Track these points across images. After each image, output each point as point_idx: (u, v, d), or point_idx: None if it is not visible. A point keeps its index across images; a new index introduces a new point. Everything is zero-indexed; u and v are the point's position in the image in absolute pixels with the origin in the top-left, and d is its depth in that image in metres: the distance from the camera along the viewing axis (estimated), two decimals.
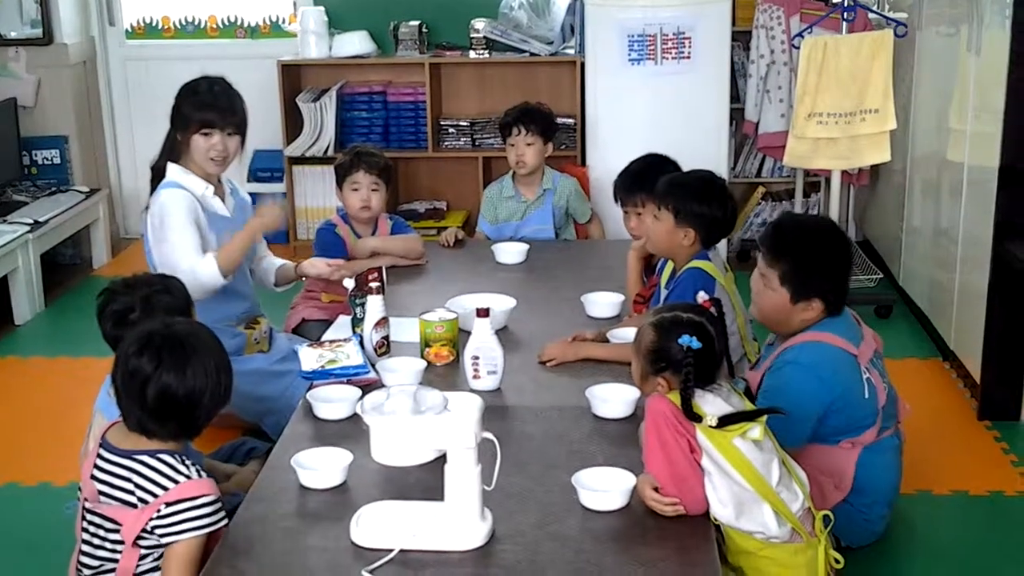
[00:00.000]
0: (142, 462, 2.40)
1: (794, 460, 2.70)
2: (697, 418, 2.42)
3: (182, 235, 3.58)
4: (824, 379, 2.94)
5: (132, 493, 2.40)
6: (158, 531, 2.37)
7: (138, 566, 2.43)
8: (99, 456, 2.47)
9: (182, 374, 2.38)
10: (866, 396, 2.99)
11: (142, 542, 2.41)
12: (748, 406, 2.53)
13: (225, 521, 2.40)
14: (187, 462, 2.42)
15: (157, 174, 3.72)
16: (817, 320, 3.01)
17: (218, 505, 2.40)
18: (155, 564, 2.43)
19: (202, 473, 2.42)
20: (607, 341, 3.29)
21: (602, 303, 3.60)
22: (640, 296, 3.60)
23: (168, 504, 2.36)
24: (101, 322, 2.86)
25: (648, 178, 3.65)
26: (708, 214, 3.30)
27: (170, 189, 3.63)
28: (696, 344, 2.45)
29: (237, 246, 3.66)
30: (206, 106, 3.66)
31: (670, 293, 3.32)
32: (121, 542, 2.42)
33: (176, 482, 2.38)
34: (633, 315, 3.54)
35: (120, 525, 2.41)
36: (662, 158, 3.88)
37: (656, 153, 3.93)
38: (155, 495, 2.37)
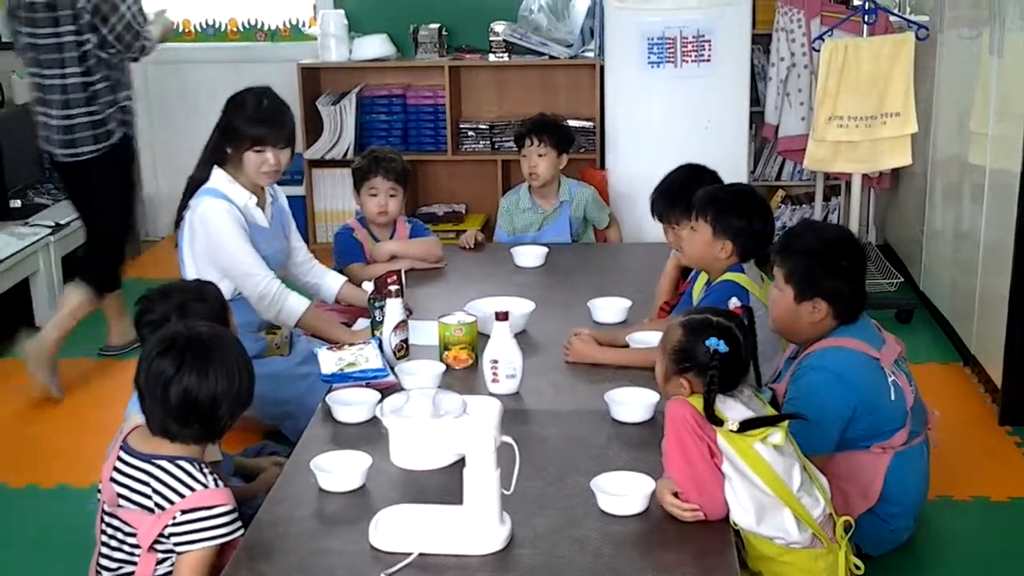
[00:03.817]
0: (160, 467, 2.41)
1: (823, 467, 2.69)
2: (719, 422, 2.41)
3: (250, 255, 3.65)
4: (848, 382, 2.92)
5: (149, 498, 2.40)
6: (173, 538, 2.37)
7: (155, 570, 2.43)
8: (119, 459, 2.47)
9: (204, 376, 2.39)
10: (892, 398, 2.97)
11: (159, 547, 2.41)
12: (770, 412, 2.52)
13: (241, 532, 2.40)
14: (205, 470, 2.42)
15: (195, 184, 3.71)
16: (829, 326, 3.00)
17: (234, 515, 2.40)
18: (171, 568, 2.43)
19: (219, 482, 2.42)
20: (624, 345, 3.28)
21: (609, 308, 3.59)
22: (667, 304, 3.58)
23: (184, 512, 2.36)
24: (139, 331, 2.87)
25: (687, 193, 3.51)
26: (747, 228, 3.27)
27: (212, 198, 3.63)
28: (723, 348, 2.44)
29: (324, 329, 3.72)
30: (259, 122, 3.65)
31: (700, 304, 3.30)
32: (139, 546, 2.43)
33: (193, 489, 2.38)
34: (655, 319, 3.53)
35: (136, 530, 2.42)
36: (699, 169, 3.75)
37: (693, 164, 3.79)
38: (171, 501, 2.38)
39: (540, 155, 4.58)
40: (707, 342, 2.46)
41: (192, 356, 2.40)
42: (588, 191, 4.75)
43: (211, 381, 2.40)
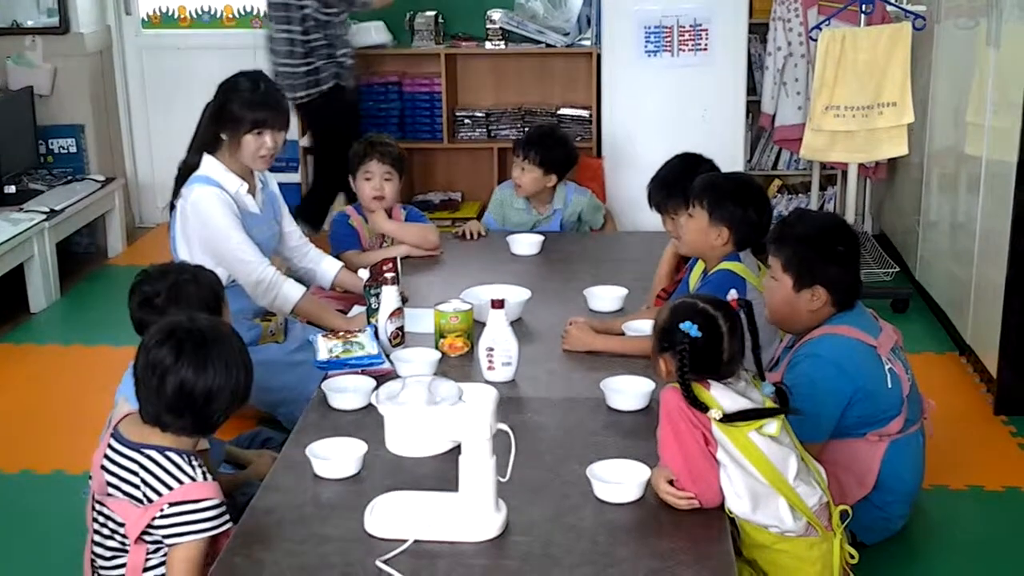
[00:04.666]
0: (149, 457, 2.40)
1: (819, 454, 2.69)
2: (702, 407, 2.40)
3: (244, 242, 3.64)
4: (844, 369, 2.92)
5: (137, 488, 2.39)
6: (161, 530, 2.37)
7: (147, 560, 2.42)
8: (110, 446, 2.46)
9: (202, 370, 2.38)
10: (889, 385, 2.97)
11: (147, 537, 2.40)
12: (767, 403, 2.50)
13: (228, 525, 2.39)
14: (194, 463, 2.41)
15: (187, 171, 3.70)
16: (827, 314, 3.00)
17: (222, 509, 2.39)
18: (165, 559, 2.42)
19: (207, 476, 2.42)
20: (620, 333, 3.28)
21: (605, 297, 3.59)
22: (664, 292, 3.57)
23: (171, 504, 2.36)
24: (129, 302, 2.86)
25: (684, 183, 3.52)
26: (744, 216, 3.27)
27: (203, 185, 3.62)
28: (695, 332, 2.44)
29: (320, 316, 3.71)
30: (258, 105, 3.64)
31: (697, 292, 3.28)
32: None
33: (181, 482, 2.37)
34: (652, 306, 3.52)
35: (125, 521, 2.41)
36: (695, 158, 3.74)
37: (690, 153, 3.79)
38: (159, 493, 2.37)
39: (523, 169, 4.53)
40: (681, 325, 2.46)
41: (191, 348, 2.39)
42: (585, 199, 4.68)
43: (208, 375, 2.38)
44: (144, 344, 2.43)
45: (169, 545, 2.37)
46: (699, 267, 3.43)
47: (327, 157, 5.61)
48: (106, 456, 2.45)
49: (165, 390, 2.38)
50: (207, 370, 2.38)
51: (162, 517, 2.36)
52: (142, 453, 2.41)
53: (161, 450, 2.41)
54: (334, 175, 5.23)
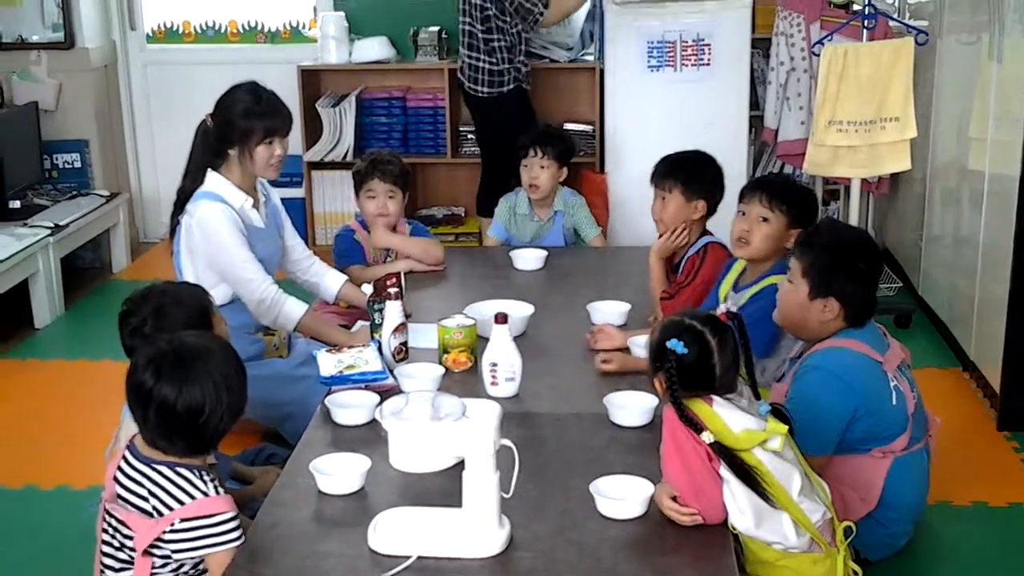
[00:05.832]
0: (161, 472, 2.41)
1: (823, 469, 2.68)
2: (695, 427, 2.39)
3: (248, 260, 3.64)
4: (848, 383, 2.92)
5: (147, 500, 2.40)
6: (171, 545, 2.37)
7: (153, 574, 2.43)
8: (124, 459, 2.47)
9: (178, 389, 2.37)
10: (894, 402, 2.97)
11: (155, 551, 2.40)
12: (769, 421, 2.48)
13: (243, 539, 2.39)
14: (206, 478, 2.41)
15: (185, 195, 3.70)
16: (836, 327, 3.00)
17: (236, 523, 2.39)
18: (172, 574, 2.43)
19: (219, 490, 2.42)
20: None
21: (608, 311, 3.59)
22: (666, 293, 3.58)
23: (184, 520, 2.36)
24: (120, 331, 2.86)
25: (687, 167, 3.76)
26: (811, 221, 3.36)
27: (209, 201, 3.62)
28: (681, 350, 2.44)
29: (323, 332, 3.72)
30: (266, 115, 3.65)
31: (747, 306, 3.22)
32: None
33: (193, 497, 2.38)
34: (661, 316, 3.52)
35: (134, 533, 2.41)
36: (707, 155, 3.88)
37: (702, 151, 3.92)
38: (170, 508, 2.37)
39: (542, 167, 4.58)
40: (668, 343, 2.46)
41: (168, 369, 2.38)
42: (578, 201, 4.73)
43: (186, 394, 2.37)
44: (130, 368, 2.44)
45: (179, 560, 2.37)
46: (735, 271, 3.44)
47: (496, 151, 5.58)
48: (119, 468, 2.46)
49: (150, 414, 2.38)
50: (185, 388, 2.37)
51: (172, 532, 2.36)
52: (153, 468, 2.42)
53: (172, 466, 2.41)
54: (503, 166, 5.25)
